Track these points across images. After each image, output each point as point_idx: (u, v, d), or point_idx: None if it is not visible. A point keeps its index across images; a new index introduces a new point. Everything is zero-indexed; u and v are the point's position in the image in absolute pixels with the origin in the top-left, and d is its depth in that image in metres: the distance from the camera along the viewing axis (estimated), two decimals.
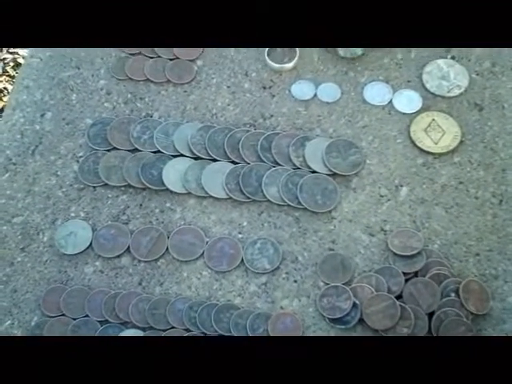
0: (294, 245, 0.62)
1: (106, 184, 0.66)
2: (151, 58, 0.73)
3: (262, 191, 0.64)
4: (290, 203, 0.63)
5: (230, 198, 0.64)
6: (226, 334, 0.58)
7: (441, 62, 0.70)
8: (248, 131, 0.67)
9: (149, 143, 0.67)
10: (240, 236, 0.63)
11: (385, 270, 0.60)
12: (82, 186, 0.67)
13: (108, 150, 0.68)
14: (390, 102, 0.69)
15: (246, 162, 0.66)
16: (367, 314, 0.58)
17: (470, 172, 0.65)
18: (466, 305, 0.57)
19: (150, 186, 0.65)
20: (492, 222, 0.62)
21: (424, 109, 0.68)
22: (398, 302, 0.57)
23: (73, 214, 0.65)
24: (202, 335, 0.58)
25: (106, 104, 0.71)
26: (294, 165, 0.65)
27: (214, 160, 0.66)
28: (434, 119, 0.67)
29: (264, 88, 0.71)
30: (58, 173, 0.68)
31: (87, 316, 0.60)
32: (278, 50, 0.72)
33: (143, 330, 0.59)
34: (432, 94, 0.69)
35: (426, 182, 0.64)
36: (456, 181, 0.64)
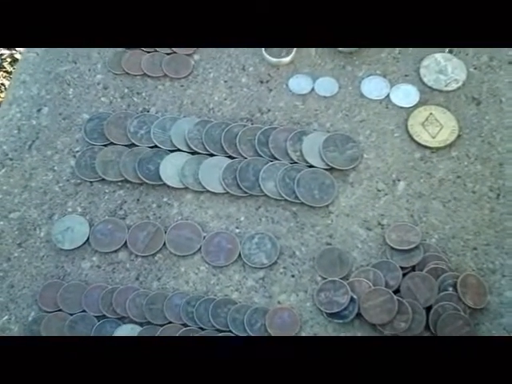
0: (291, 239, 0.62)
1: (103, 179, 0.66)
2: (148, 52, 0.73)
3: (260, 186, 0.64)
4: (287, 198, 0.63)
5: (227, 192, 0.64)
6: (224, 329, 0.58)
7: (438, 55, 0.70)
8: (245, 126, 0.67)
9: (146, 138, 0.67)
10: (237, 231, 0.63)
11: (382, 265, 0.60)
12: (78, 181, 0.67)
13: (105, 145, 0.68)
14: (388, 96, 0.69)
15: (243, 156, 0.65)
16: (365, 308, 0.57)
17: (468, 166, 0.64)
18: (463, 299, 0.57)
19: (146, 181, 0.65)
20: (489, 216, 0.62)
21: (421, 103, 0.68)
22: (395, 297, 0.57)
23: (70, 209, 0.65)
24: (200, 333, 0.58)
25: (102, 99, 0.71)
26: (292, 159, 0.65)
27: (211, 155, 0.66)
28: (431, 113, 0.67)
29: (261, 82, 0.71)
30: (55, 168, 0.67)
31: (84, 311, 0.60)
32: None
33: (140, 325, 0.59)
34: (429, 88, 0.68)
35: (423, 176, 0.64)
36: (453, 175, 0.64)
